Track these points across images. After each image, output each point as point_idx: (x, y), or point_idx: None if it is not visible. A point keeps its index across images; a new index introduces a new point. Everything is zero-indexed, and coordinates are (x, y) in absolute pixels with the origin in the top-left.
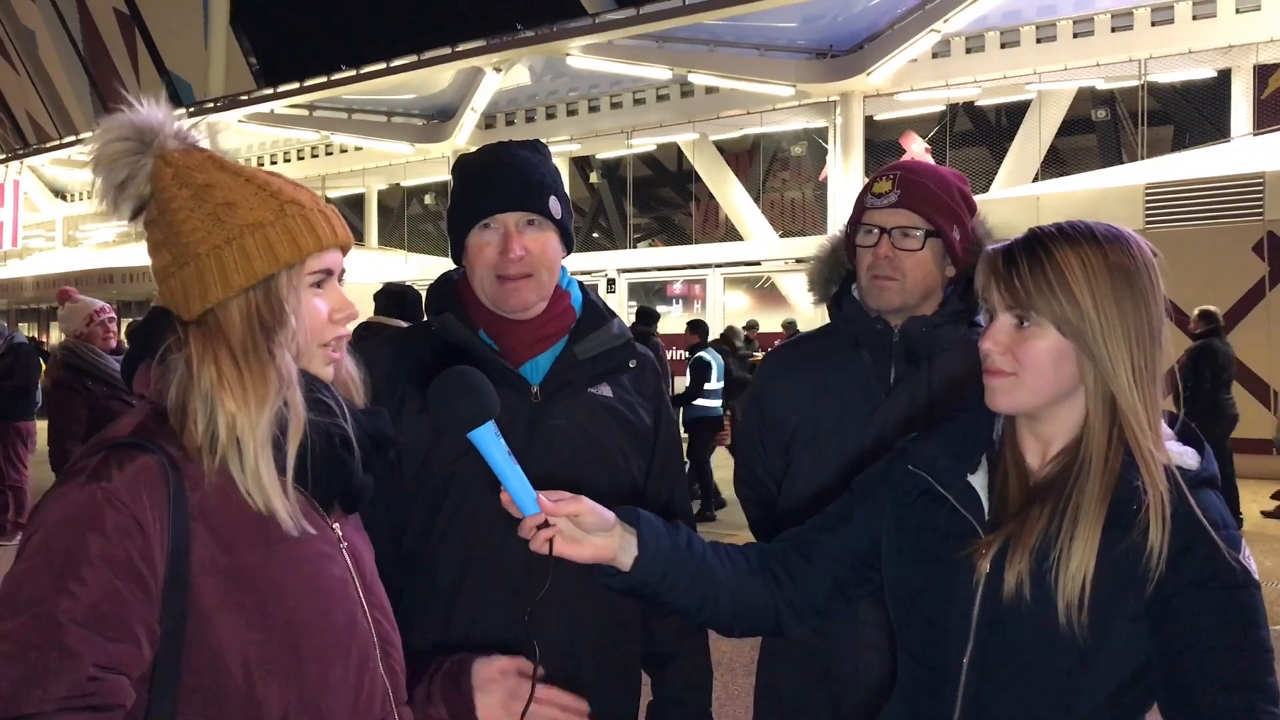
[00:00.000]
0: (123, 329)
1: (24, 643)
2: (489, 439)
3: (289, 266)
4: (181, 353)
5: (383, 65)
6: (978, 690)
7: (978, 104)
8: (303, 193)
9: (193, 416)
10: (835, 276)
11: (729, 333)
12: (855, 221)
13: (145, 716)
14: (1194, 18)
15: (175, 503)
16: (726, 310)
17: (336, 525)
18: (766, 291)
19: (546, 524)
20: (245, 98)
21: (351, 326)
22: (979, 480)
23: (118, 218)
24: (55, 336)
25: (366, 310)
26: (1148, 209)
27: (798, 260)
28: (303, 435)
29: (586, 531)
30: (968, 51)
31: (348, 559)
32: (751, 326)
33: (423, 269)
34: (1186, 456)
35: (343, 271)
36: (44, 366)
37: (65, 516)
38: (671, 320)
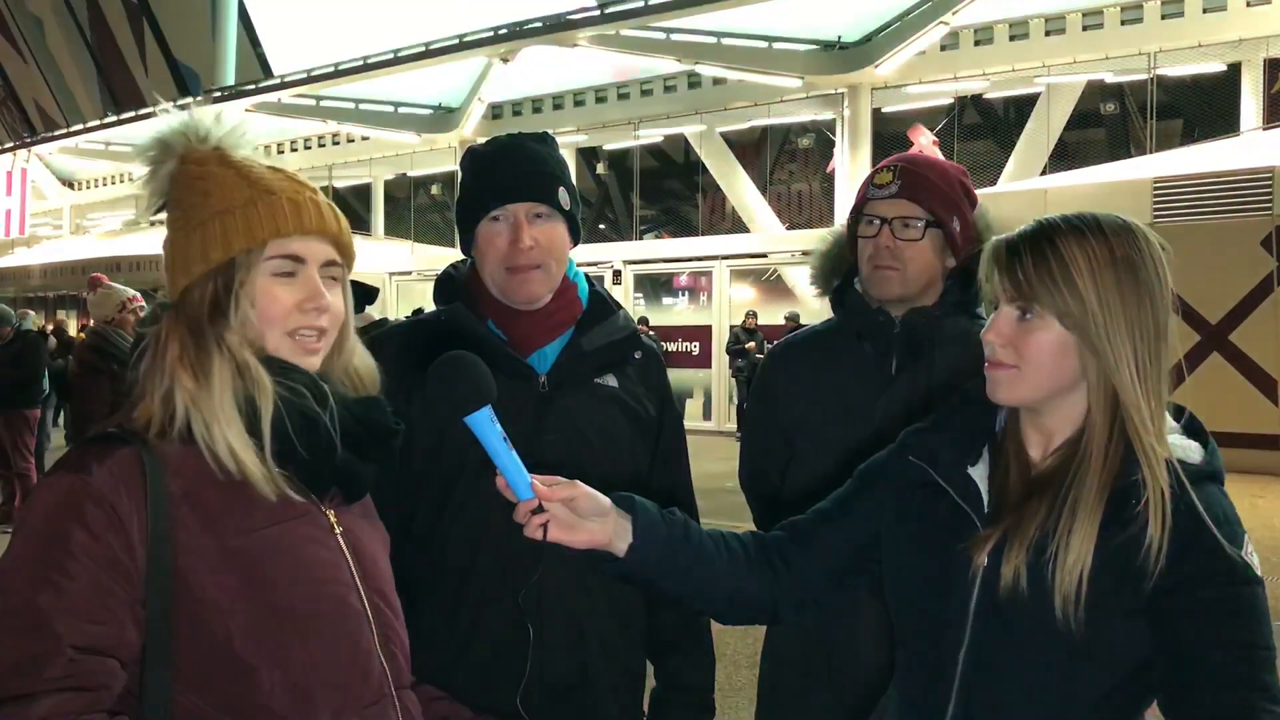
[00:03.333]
0: None
1: (13, 629)
2: (485, 424)
3: (247, 251)
4: (152, 329)
5: (390, 55)
6: (974, 683)
7: (986, 97)
8: (286, 183)
9: (151, 390)
10: (838, 270)
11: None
12: (857, 212)
13: (141, 695)
14: (1204, 11)
15: (155, 493)
16: (732, 302)
17: (330, 512)
18: (773, 284)
19: (541, 509)
20: (252, 87)
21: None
22: (979, 472)
23: (149, 213)
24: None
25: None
26: (1156, 203)
27: (804, 252)
28: (275, 407)
29: (581, 517)
30: (976, 44)
31: (341, 543)
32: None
33: (429, 259)
34: (1190, 451)
35: (332, 263)
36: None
37: (48, 509)
38: (675, 313)
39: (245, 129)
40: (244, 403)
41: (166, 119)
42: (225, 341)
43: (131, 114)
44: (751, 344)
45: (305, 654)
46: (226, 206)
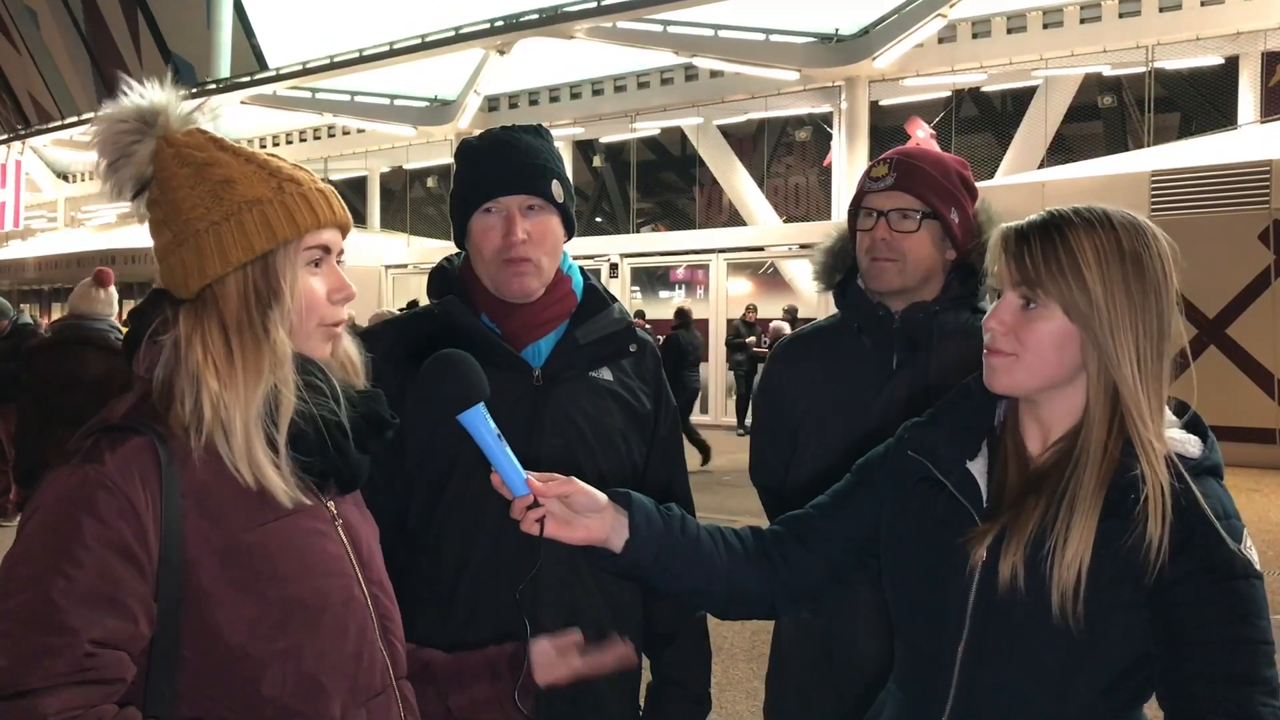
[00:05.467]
0: (124, 310)
1: (23, 622)
2: (478, 421)
3: (286, 243)
4: (169, 332)
5: (386, 47)
6: (972, 678)
7: (984, 90)
8: (301, 172)
9: (179, 395)
10: (840, 265)
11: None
12: (855, 206)
13: (146, 691)
14: (1202, 4)
15: (167, 483)
16: (729, 296)
17: (331, 504)
18: (770, 277)
19: (537, 505)
20: (248, 79)
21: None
22: (978, 467)
23: (119, 198)
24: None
25: (361, 295)
26: (1153, 196)
27: (801, 246)
28: (297, 413)
29: (577, 513)
30: (974, 37)
31: (342, 535)
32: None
33: (424, 252)
34: (1189, 445)
35: (341, 252)
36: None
37: (60, 499)
38: (672, 307)
39: (213, 110)
40: (269, 405)
41: (136, 98)
42: (272, 334)
43: None
44: (751, 338)
45: (316, 647)
46: (259, 195)
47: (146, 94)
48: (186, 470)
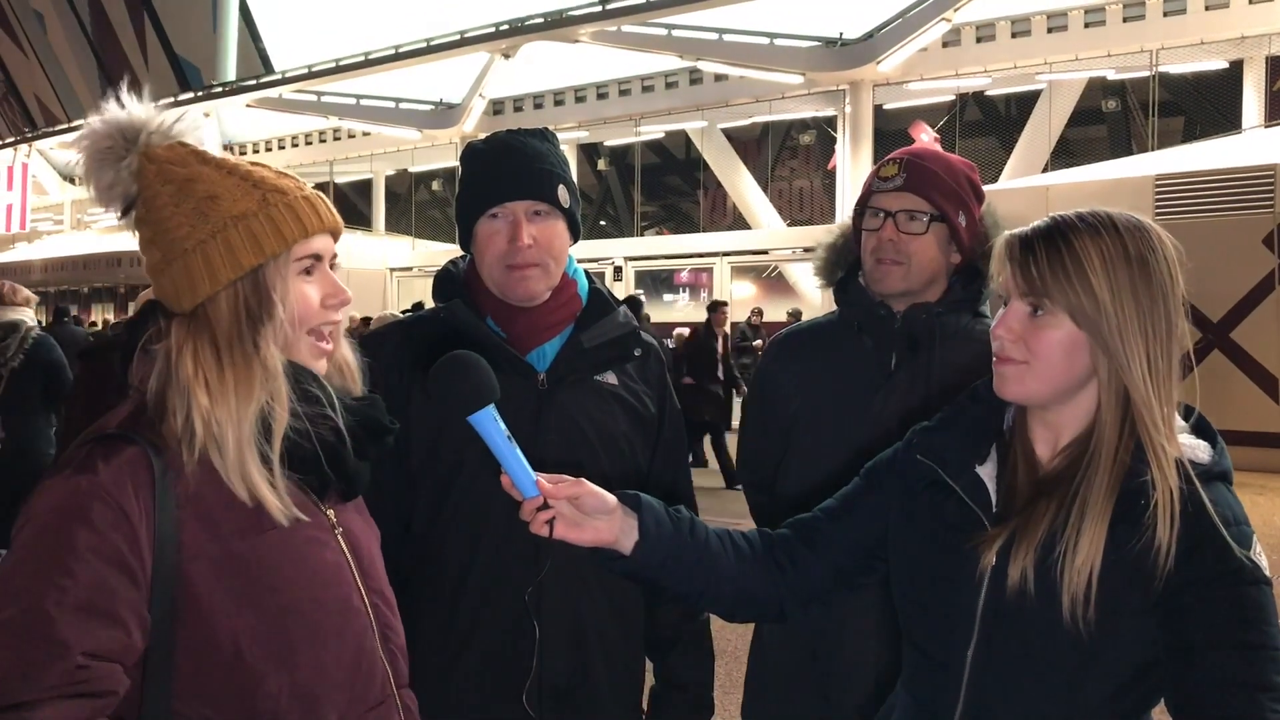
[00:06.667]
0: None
1: (15, 634)
2: (488, 422)
3: (275, 256)
4: (161, 344)
5: (391, 51)
6: (981, 683)
7: (987, 94)
8: (286, 180)
9: (171, 409)
10: (843, 262)
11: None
12: (861, 205)
13: (141, 702)
14: (1206, 8)
15: (162, 493)
16: (733, 299)
17: (331, 511)
18: (774, 280)
19: (547, 506)
20: (253, 83)
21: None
22: (987, 471)
23: (110, 214)
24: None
25: (366, 298)
26: (1157, 200)
27: (805, 249)
28: (288, 426)
29: (587, 515)
30: (978, 41)
31: (342, 544)
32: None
33: (429, 255)
34: (1199, 450)
35: (334, 256)
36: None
37: (53, 509)
38: (677, 309)
39: (194, 120)
40: (263, 418)
41: (116, 113)
42: (261, 349)
43: None
44: (759, 342)
45: (312, 658)
46: (244, 209)
47: (126, 110)
48: (182, 480)
